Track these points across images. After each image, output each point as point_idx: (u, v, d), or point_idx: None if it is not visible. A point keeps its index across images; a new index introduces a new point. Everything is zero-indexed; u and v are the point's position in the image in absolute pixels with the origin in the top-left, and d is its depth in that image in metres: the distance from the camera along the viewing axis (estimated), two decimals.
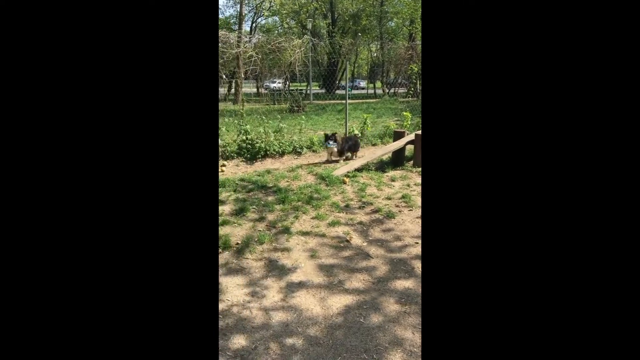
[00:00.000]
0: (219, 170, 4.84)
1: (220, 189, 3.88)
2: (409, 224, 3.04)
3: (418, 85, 13.55)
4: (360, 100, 15.14)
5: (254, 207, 3.39)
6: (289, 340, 1.74)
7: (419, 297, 2.04)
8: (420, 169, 4.52)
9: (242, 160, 5.32)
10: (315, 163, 5.04)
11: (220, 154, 5.35)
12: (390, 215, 3.20)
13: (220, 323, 1.86)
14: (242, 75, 11.66)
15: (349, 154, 5.17)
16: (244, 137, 5.42)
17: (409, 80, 15.71)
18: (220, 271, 2.35)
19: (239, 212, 3.26)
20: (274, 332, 1.79)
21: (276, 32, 20.54)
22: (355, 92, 21.92)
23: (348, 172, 4.42)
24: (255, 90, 18.11)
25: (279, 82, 17.16)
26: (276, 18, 21.33)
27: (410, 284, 2.19)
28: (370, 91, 21.18)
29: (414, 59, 15.11)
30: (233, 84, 13.92)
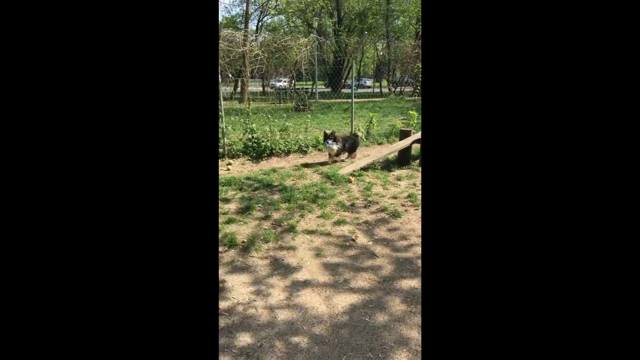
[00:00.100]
0: (225, 168, 4.86)
1: (226, 188, 3.90)
2: (415, 223, 3.03)
3: None
4: (366, 99, 15.11)
5: (260, 205, 3.40)
6: (294, 339, 1.74)
7: None
8: None
9: (248, 159, 5.34)
10: (321, 162, 5.03)
11: (226, 152, 5.38)
12: (396, 215, 3.19)
13: (226, 321, 1.87)
14: (248, 74, 11.69)
15: (348, 153, 5.15)
16: (250, 136, 5.44)
17: (415, 79, 15.64)
18: (226, 269, 2.36)
19: (245, 210, 3.27)
20: (279, 330, 1.80)
21: (282, 30, 20.54)
22: (361, 90, 21.88)
23: (354, 171, 4.42)
24: (261, 89, 18.14)
25: (285, 81, 17.19)
26: (282, 17, 21.34)
27: (416, 283, 2.18)
28: (377, 90, 21.12)
29: (421, 57, 15.02)
30: (239, 83, 13.97)
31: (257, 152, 5.36)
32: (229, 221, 3.05)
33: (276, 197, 3.64)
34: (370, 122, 6.49)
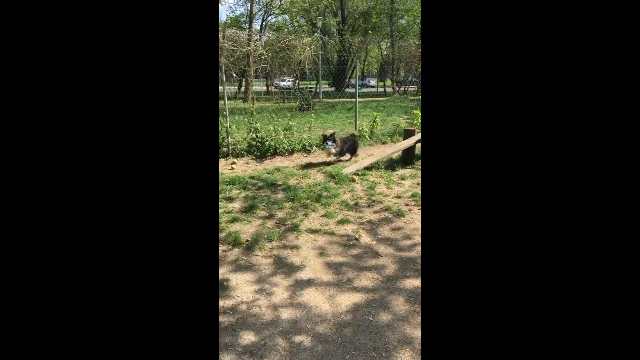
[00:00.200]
0: (230, 167, 4.88)
1: (230, 187, 3.91)
2: (419, 223, 3.02)
3: None
4: (370, 99, 15.08)
5: (264, 204, 3.41)
6: (298, 337, 1.74)
7: None
8: None
9: (252, 158, 5.35)
10: (325, 161, 5.03)
11: (230, 151, 5.39)
12: (399, 214, 3.18)
13: (230, 319, 1.88)
14: (252, 74, 11.70)
15: (349, 154, 5.13)
16: (254, 135, 5.45)
17: (419, 78, 15.58)
18: (230, 267, 2.37)
19: (249, 209, 3.28)
20: (283, 328, 1.80)
21: (286, 30, 20.55)
22: (365, 90, 21.84)
23: (357, 170, 4.41)
24: (265, 88, 18.17)
25: (289, 81, 17.18)
26: (286, 16, 21.35)
27: (419, 282, 2.18)
28: (380, 89, 21.07)
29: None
30: (243, 82, 13.98)
31: (261, 151, 5.37)
32: (233, 220, 3.06)
33: (280, 196, 3.64)
34: (374, 121, 6.48)
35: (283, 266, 2.39)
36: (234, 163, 5.06)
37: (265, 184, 4.00)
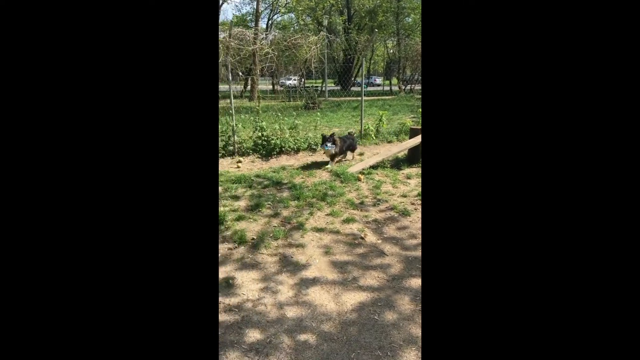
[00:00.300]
0: (235, 166, 4.89)
1: (236, 185, 3.92)
2: None
3: None
4: (376, 97, 15.03)
5: (269, 203, 3.42)
6: (303, 336, 1.75)
7: None
8: None
9: (258, 157, 5.36)
10: (326, 162, 5.02)
11: (236, 150, 5.41)
12: (405, 213, 3.17)
13: (235, 317, 1.89)
14: (258, 72, 11.74)
15: (351, 153, 5.10)
16: (260, 134, 5.47)
17: None
18: (236, 265, 2.38)
19: (255, 207, 3.29)
20: (288, 327, 1.81)
21: (292, 29, 20.56)
22: (371, 89, 21.76)
23: (363, 169, 4.40)
24: (271, 87, 18.20)
25: (295, 79, 17.19)
26: (292, 15, 21.36)
27: None
28: (386, 88, 20.99)
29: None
30: (249, 81, 14.03)
31: (266, 150, 5.38)
32: (239, 218, 3.07)
33: (285, 194, 3.65)
34: (380, 120, 6.45)
35: (288, 264, 2.39)
36: (240, 161, 5.08)
37: (270, 183, 4.01)
